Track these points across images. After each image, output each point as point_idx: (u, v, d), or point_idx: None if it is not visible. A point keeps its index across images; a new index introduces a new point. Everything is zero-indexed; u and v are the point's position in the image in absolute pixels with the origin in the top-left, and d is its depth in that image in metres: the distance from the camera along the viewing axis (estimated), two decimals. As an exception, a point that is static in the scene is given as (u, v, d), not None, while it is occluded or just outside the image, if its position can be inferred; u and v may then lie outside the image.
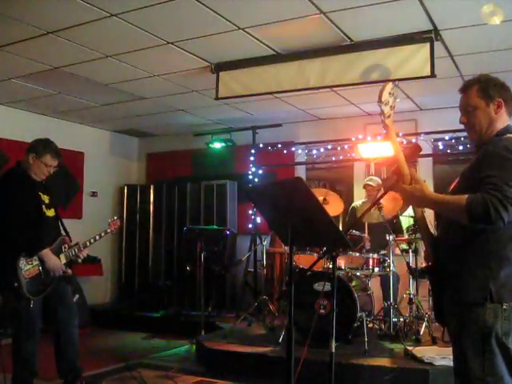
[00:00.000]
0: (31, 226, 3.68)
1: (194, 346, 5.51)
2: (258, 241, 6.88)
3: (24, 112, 7.34)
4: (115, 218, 4.37)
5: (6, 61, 5.30)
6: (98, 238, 4.11)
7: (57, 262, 3.79)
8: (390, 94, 2.38)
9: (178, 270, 8.01)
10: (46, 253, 3.74)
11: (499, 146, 2.18)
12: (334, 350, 2.69)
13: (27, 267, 3.64)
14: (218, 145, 7.91)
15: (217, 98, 5.65)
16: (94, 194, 8.31)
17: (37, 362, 3.82)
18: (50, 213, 3.95)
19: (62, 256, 3.89)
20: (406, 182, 2.31)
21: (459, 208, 2.08)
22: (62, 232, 4.08)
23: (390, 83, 2.42)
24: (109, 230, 4.26)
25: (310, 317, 4.25)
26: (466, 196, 2.08)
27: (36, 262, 3.70)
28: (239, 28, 4.55)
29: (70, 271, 3.97)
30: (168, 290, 7.84)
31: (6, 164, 6.98)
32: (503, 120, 2.32)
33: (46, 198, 3.94)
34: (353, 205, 6.30)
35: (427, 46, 4.53)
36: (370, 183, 5.98)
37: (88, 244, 4.03)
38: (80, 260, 4.10)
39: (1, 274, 3.67)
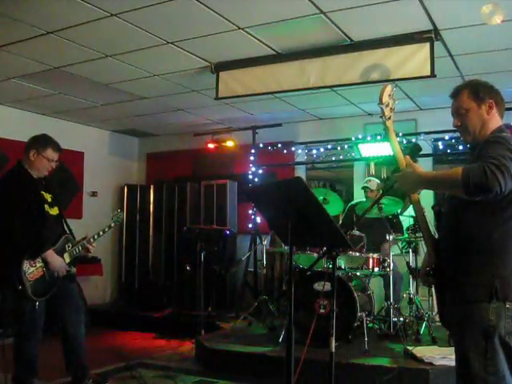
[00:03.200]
0: (34, 226, 3.65)
1: (194, 346, 5.51)
2: (258, 241, 6.88)
3: (24, 112, 7.33)
4: (119, 211, 4.42)
5: (6, 61, 5.30)
6: (101, 233, 4.13)
7: (60, 263, 3.76)
8: (389, 95, 2.41)
9: (178, 269, 8.01)
10: (50, 253, 3.71)
11: (494, 136, 2.25)
12: (333, 350, 2.69)
13: (31, 270, 3.61)
14: (217, 145, 7.90)
15: (217, 98, 5.66)
16: (94, 194, 8.31)
17: (38, 362, 3.82)
18: (54, 211, 3.91)
19: (66, 255, 3.86)
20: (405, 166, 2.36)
21: (455, 179, 2.09)
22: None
23: (390, 85, 2.45)
24: (113, 224, 4.27)
25: (310, 317, 4.25)
26: (462, 167, 2.10)
27: (40, 264, 3.67)
28: (239, 28, 4.55)
29: (74, 270, 3.95)
30: (168, 290, 7.84)
31: (7, 164, 7.00)
32: (495, 121, 2.36)
33: (48, 197, 3.91)
34: (350, 203, 6.29)
35: (427, 45, 4.53)
36: (369, 186, 5.98)
37: (96, 237, 4.04)
38: (90, 254, 4.10)
39: (4, 276, 3.65)
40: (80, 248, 3.95)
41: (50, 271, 3.72)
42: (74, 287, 4.03)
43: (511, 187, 2.06)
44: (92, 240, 4.01)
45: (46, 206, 3.85)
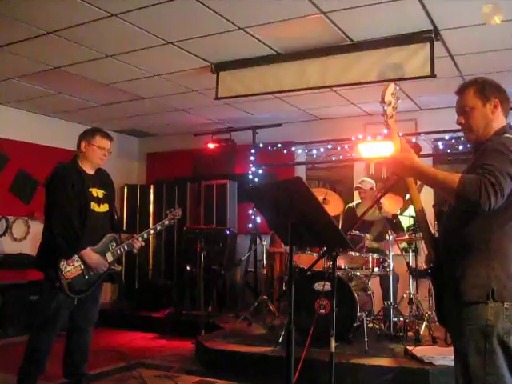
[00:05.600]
0: (71, 225, 3.63)
1: (194, 346, 5.51)
2: (258, 241, 6.88)
3: (24, 112, 7.33)
4: (177, 208, 4.24)
5: (6, 61, 5.30)
6: (152, 231, 4.06)
7: (98, 261, 3.73)
8: (392, 94, 2.39)
9: (178, 269, 8.01)
10: (86, 253, 3.67)
11: (496, 142, 2.22)
12: (333, 350, 2.69)
13: (68, 268, 3.62)
14: (217, 145, 7.91)
15: (217, 98, 5.66)
16: (94, 194, 8.30)
17: (47, 360, 3.79)
18: (102, 208, 3.88)
19: (109, 254, 3.83)
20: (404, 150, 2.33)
21: (450, 184, 2.08)
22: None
23: (392, 84, 2.43)
24: (166, 222, 4.15)
25: (310, 317, 4.25)
26: (460, 174, 2.09)
27: (78, 263, 3.66)
28: (239, 28, 4.55)
29: (119, 268, 3.95)
30: (168, 290, 7.84)
31: (6, 164, 7.00)
32: (500, 120, 2.34)
33: (100, 193, 3.89)
34: (349, 205, 6.29)
35: (427, 46, 4.53)
36: (361, 186, 5.99)
37: (145, 235, 3.99)
38: (135, 251, 3.99)
39: (45, 271, 3.71)
40: (126, 247, 3.92)
41: (89, 270, 3.71)
42: (99, 295, 4.00)
43: (502, 202, 2.06)
44: (140, 239, 3.96)
45: (93, 203, 3.81)
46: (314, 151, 7.36)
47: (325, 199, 5.48)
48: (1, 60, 5.29)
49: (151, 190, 8.53)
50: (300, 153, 7.48)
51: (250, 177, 7.45)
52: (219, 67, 5.46)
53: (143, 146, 9.35)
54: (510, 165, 2.10)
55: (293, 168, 7.69)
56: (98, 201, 3.87)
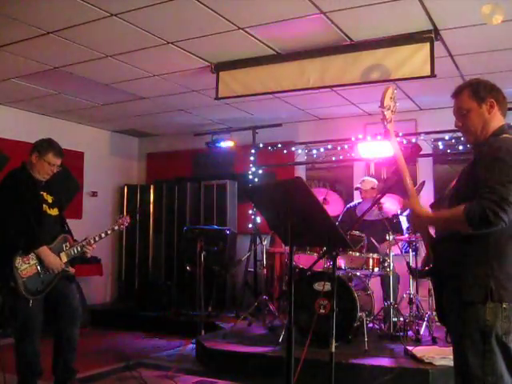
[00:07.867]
0: (28, 223, 3.66)
1: (194, 346, 5.51)
2: (258, 241, 6.88)
3: (24, 112, 7.33)
4: (124, 214, 4.37)
5: (6, 61, 5.30)
6: (103, 235, 4.09)
7: (54, 260, 3.76)
8: (391, 98, 2.40)
9: (178, 269, 8.01)
10: (43, 250, 3.70)
11: (494, 147, 2.22)
12: (333, 350, 2.69)
13: (24, 266, 3.62)
14: (218, 145, 7.90)
15: (217, 98, 5.66)
16: (93, 194, 8.31)
17: (40, 362, 3.79)
18: (53, 212, 3.94)
19: (63, 254, 3.86)
20: (409, 196, 2.40)
21: (459, 220, 2.13)
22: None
23: (391, 88, 2.45)
24: (116, 227, 4.22)
25: (310, 317, 4.25)
26: (463, 207, 2.11)
27: (33, 261, 3.67)
28: (239, 28, 4.55)
29: (72, 270, 3.95)
30: (168, 290, 7.84)
31: (7, 164, 7.00)
32: (497, 120, 2.35)
33: (49, 198, 3.94)
34: (348, 205, 6.28)
35: (427, 45, 4.53)
36: (360, 186, 5.98)
37: (97, 239, 4.02)
38: (89, 255, 4.05)
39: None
40: (79, 248, 3.95)
41: (44, 269, 3.72)
42: (72, 289, 4.01)
43: None
44: (92, 241, 4.00)
45: (45, 206, 3.87)
46: (314, 151, 7.36)
47: (325, 199, 5.48)
48: (1, 60, 5.29)
49: (151, 190, 8.53)
50: (300, 153, 7.48)
51: (250, 177, 7.45)
52: (219, 67, 5.46)
53: (143, 146, 9.35)
54: (510, 169, 2.10)
55: (293, 168, 7.69)
56: (49, 204, 3.92)
